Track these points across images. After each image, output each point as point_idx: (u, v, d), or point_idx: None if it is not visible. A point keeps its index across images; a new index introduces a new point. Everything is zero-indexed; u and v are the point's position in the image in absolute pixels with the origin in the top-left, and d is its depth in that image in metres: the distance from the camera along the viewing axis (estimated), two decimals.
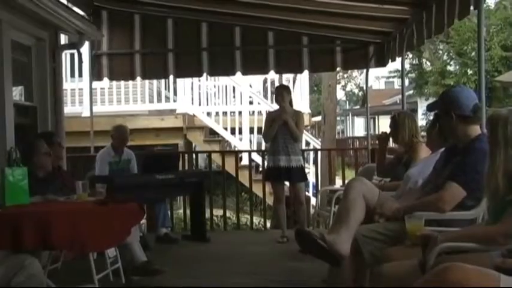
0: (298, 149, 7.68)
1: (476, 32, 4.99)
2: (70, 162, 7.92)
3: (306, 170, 8.47)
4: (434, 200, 3.76)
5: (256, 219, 10.27)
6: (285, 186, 8.04)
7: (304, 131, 10.93)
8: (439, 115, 4.02)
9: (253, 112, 12.86)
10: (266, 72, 9.05)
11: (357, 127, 42.39)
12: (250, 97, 12.92)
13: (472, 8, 4.95)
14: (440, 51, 29.44)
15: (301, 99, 13.31)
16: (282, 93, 7.67)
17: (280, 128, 7.45)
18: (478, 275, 2.55)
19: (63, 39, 8.34)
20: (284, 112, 7.51)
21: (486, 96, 4.71)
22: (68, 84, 11.45)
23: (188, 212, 8.45)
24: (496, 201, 3.04)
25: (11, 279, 3.58)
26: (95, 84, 10.04)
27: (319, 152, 10.42)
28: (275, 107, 12.31)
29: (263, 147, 12.39)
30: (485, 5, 4.83)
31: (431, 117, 5.07)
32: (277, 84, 13.68)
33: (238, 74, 8.81)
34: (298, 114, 7.69)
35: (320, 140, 15.24)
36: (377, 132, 33.79)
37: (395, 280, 3.08)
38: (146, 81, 12.56)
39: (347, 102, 50.35)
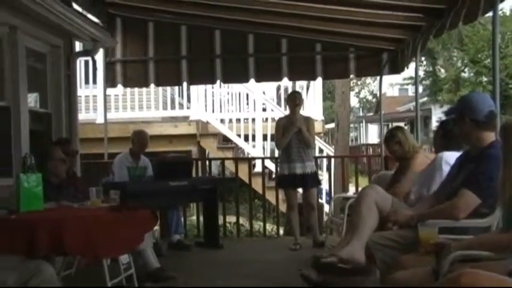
0: (311, 155, 7.75)
1: (490, 41, 5.00)
2: (83, 169, 7.95)
3: (320, 177, 8.48)
4: (449, 207, 3.74)
5: (269, 226, 10.26)
6: (298, 194, 8.04)
7: (318, 138, 10.93)
8: (455, 120, 3.98)
9: (267, 119, 12.85)
10: (279, 79, 9.06)
11: (371, 134, 42.28)
12: (263, 104, 12.92)
13: (480, 14, 4.93)
14: (455, 58, 29.33)
15: (314, 106, 13.29)
16: (298, 98, 7.70)
17: (294, 135, 7.46)
18: (492, 281, 2.54)
19: (77, 46, 8.40)
20: (295, 119, 7.53)
21: (500, 104, 4.71)
22: (82, 91, 11.50)
23: (201, 218, 8.46)
24: (510, 209, 3.02)
25: (26, 284, 3.60)
26: (109, 91, 10.09)
27: (332, 159, 10.39)
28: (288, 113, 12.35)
29: (276, 154, 12.40)
30: (500, 12, 4.84)
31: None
32: (290, 91, 13.71)
33: (252, 81, 8.82)
34: (308, 120, 7.73)
35: (333, 147, 15.21)
36: None
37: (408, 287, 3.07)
38: (160, 88, 12.58)
39: (361, 109, 50.25)
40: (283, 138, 7.57)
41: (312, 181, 7.65)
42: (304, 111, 8.30)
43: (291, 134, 7.49)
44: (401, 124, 34.38)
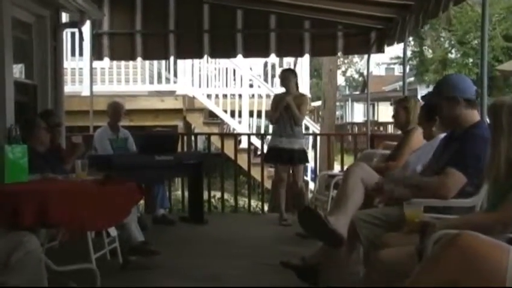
0: (301, 132, 7.82)
1: (478, 22, 4.99)
2: (69, 141, 7.91)
3: None
4: (437, 186, 3.73)
5: (253, 203, 10.29)
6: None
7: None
8: (441, 103, 3.94)
9: (253, 95, 12.84)
10: (267, 55, 9.04)
11: (357, 113, 42.31)
12: (250, 80, 12.91)
13: None
14: (442, 39, 29.36)
15: (301, 84, 13.21)
16: (287, 76, 7.70)
17: (285, 110, 7.48)
18: (489, 243, 2.59)
19: (64, 17, 8.31)
20: (287, 95, 7.54)
21: (487, 86, 4.71)
22: (68, 63, 11.41)
23: (186, 193, 8.47)
24: (497, 189, 3.05)
25: (10, 255, 3.59)
26: (96, 63, 10.02)
27: (318, 137, 10.40)
28: (275, 90, 12.35)
29: (262, 131, 12.40)
30: None
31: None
32: (277, 67, 13.68)
33: (239, 56, 8.79)
34: (302, 97, 7.74)
35: (319, 124, 15.24)
36: (376, 119, 33.82)
37: (392, 266, 3.09)
38: (147, 62, 12.51)
39: (347, 88, 50.27)
40: (274, 113, 7.63)
41: (298, 157, 7.66)
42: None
43: (279, 109, 7.51)
44: (387, 104, 34.47)
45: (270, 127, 11.40)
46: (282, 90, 7.84)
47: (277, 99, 7.76)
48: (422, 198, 3.62)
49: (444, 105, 3.90)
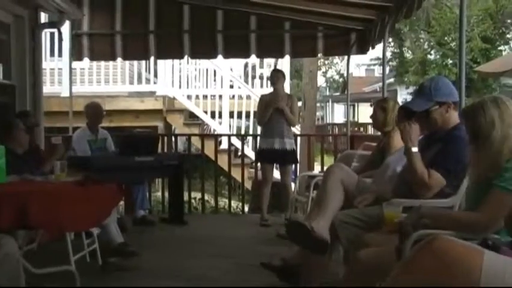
0: (291, 132, 7.81)
1: (457, 24, 5.01)
2: (48, 142, 7.85)
3: None
4: (419, 186, 3.73)
5: (234, 203, 10.29)
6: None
7: None
8: (430, 108, 3.88)
9: (234, 96, 12.85)
10: (247, 56, 9.02)
11: (337, 114, 42.45)
12: (230, 81, 12.90)
13: None
14: (421, 40, 29.55)
15: None
16: (278, 76, 7.71)
17: (275, 111, 7.50)
18: (463, 247, 2.62)
19: (43, 17, 8.25)
20: (278, 96, 7.54)
21: (465, 87, 4.74)
22: (47, 64, 11.34)
23: (166, 194, 8.44)
24: (477, 189, 3.08)
25: None
26: (75, 64, 9.95)
27: (298, 138, 10.42)
28: (256, 91, 12.36)
29: (242, 132, 12.39)
30: None
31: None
32: (258, 68, 13.69)
33: (220, 57, 8.77)
34: (291, 98, 7.78)
35: (299, 125, 15.26)
36: (356, 119, 33.93)
37: (372, 266, 3.11)
38: (127, 63, 12.47)
39: (327, 89, 50.36)
40: (263, 115, 7.63)
41: (289, 158, 7.70)
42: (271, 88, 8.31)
43: (270, 111, 7.53)
44: (367, 105, 34.59)
45: (251, 128, 11.42)
46: (264, 91, 7.84)
47: (265, 100, 7.75)
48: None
49: (435, 109, 3.84)
